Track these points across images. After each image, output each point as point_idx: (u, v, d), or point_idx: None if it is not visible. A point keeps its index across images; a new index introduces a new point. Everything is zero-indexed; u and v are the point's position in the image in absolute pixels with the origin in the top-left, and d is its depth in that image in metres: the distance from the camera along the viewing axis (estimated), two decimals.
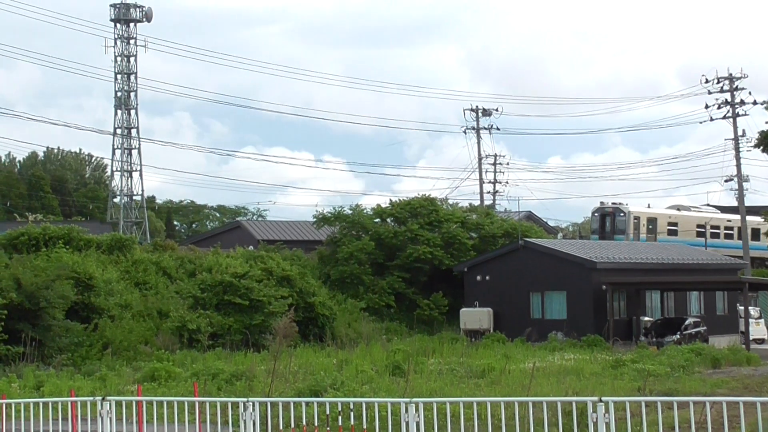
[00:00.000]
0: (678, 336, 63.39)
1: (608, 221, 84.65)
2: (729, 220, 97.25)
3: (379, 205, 78.29)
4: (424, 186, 75.23)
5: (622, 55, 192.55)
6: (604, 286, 66.60)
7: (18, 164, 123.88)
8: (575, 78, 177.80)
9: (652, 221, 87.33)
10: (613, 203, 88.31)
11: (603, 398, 14.75)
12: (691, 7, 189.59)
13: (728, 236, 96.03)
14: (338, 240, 73.64)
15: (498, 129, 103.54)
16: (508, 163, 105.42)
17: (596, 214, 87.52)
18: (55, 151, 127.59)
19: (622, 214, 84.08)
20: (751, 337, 63.61)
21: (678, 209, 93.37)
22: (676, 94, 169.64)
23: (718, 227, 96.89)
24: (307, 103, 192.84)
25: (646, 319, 67.76)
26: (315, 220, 75.90)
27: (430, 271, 73.09)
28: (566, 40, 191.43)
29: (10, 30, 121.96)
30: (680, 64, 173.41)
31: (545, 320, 66.96)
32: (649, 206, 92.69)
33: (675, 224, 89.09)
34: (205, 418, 18.47)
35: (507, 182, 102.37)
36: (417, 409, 15.84)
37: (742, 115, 78.89)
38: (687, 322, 66.95)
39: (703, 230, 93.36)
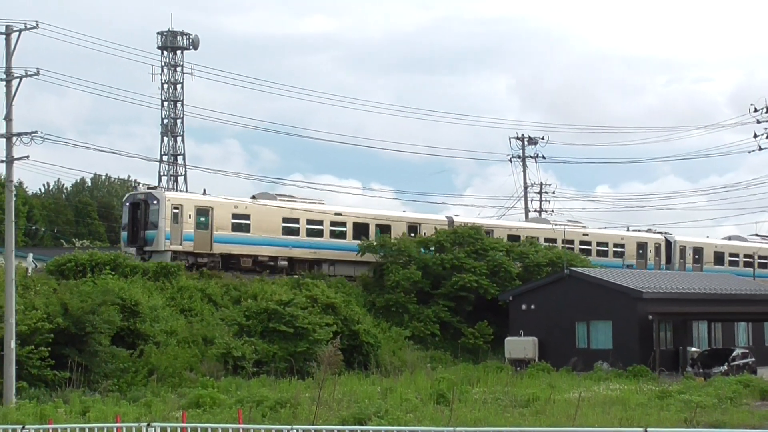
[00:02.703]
0: (725, 367, 62.92)
1: (141, 212, 67.77)
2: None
3: (424, 234, 78.04)
4: (470, 214, 75.20)
5: (673, 83, 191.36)
6: (650, 316, 66.17)
7: (66, 191, 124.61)
8: (625, 106, 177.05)
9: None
10: (148, 187, 75.40)
11: (649, 429, 15.17)
12: (744, 34, 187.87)
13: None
14: (384, 267, 73.66)
15: (544, 157, 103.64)
16: (554, 192, 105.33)
17: (127, 204, 70.53)
18: (103, 177, 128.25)
19: (155, 202, 66.37)
20: None
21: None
22: (726, 122, 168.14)
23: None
24: (357, 130, 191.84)
25: (693, 349, 67.21)
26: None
27: (475, 300, 72.91)
28: (616, 69, 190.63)
29: (59, 58, 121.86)
30: (732, 92, 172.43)
31: (591, 350, 66.57)
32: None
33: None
34: None
35: (553, 211, 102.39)
36: None
37: None
38: (735, 353, 66.50)
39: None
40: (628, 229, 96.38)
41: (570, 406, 36.97)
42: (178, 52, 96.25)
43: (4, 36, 49.37)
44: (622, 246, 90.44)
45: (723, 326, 71.79)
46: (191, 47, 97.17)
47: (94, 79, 77.38)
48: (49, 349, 50.88)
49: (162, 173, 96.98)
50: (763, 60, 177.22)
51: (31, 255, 61.49)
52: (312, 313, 61.37)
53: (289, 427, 18.94)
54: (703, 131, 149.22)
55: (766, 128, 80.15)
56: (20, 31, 49.26)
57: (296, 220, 70.83)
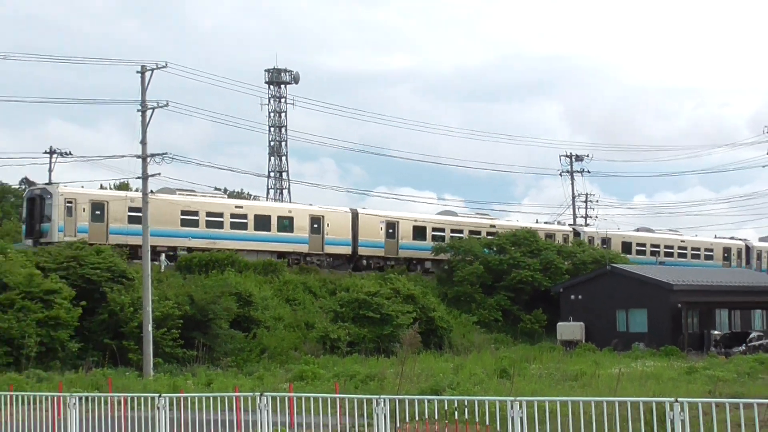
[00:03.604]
0: (744, 347, 64.21)
1: (36, 206, 63.33)
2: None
3: (485, 236, 79.88)
4: (527, 220, 77.01)
5: (700, 108, 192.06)
6: (679, 305, 67.29)
7: None
8: (659, 128, 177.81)
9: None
10: (44, 183, 68.70)
11: (679, 399, 14.93)
12: (761, 65, 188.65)
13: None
14: (454, 265, 74.82)
15: (589, 172, 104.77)
16: (597, 201, 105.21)
17: (25, 199, 66.47)
18: (221, 190, 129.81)
19: (49, 197, 62.03)
20: None
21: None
22: (745, 141, 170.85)
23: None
24: (431, 150, 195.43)
25: (716, 332, 67.80)
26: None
27: (531, 291, 74.02)
28: (652, 97, 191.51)
29: (185, 91, 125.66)
30: (750, 115, 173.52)
31: (629, 333, 67.61)
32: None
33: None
34: (345, 411, 19.10)
35: (596, 217, 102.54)
36: (521, 407, 16.10)
37: None
38: (751, 336, 67.64)
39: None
40: (715, 237, 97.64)
41: (611, 380, 37.35)
42: (282, 86, 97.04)
43: (139, 74, 51.45)
44: (711, 251, 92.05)
45: (741, 313, 72.48)
46: (293, 81, 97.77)
47: (213, 108, 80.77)
48: (179, 331, 53.08)
49: (269, 187, 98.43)
50: None
51: (163, 255, 63.07)
52: (395, 303, 62.74)
53: (377, 396, 18.29)
54: (725, 149, 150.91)
55: None
56: (152, 70, 51.37)
57: (195, 213, 66.33)
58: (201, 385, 41.90)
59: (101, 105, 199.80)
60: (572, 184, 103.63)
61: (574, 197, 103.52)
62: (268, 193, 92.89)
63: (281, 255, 67.48)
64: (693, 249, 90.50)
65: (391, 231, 71.14)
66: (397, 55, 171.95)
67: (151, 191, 61.29)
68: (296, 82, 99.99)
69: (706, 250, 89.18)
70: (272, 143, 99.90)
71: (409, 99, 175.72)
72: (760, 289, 77.87)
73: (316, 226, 67.88)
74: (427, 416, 18.15)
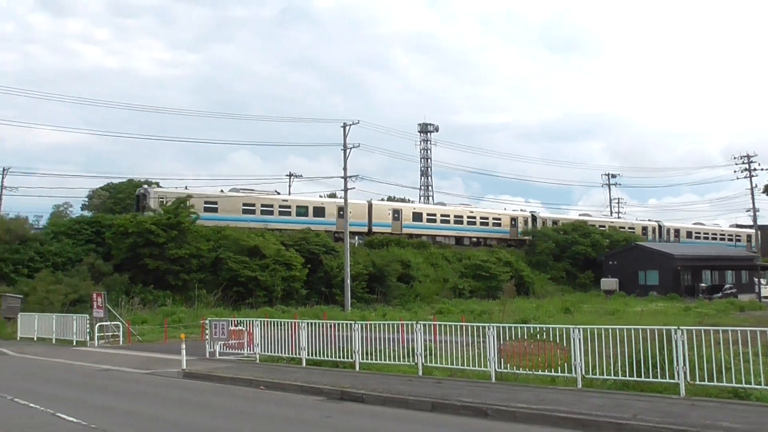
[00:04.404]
0: (720, 294, 62.68)
1: (141, 200, 55.45)
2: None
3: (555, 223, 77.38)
4: (625, 221, 76.23)
5: (691, 144, 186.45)
6: (678, 267, 65.88)
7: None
8: (665, 156, 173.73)
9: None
10: (146, 184, 59.92)
11: (680, 327, 14.55)
12: (728, 118, 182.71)
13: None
14: (534, 243, 73.34)
15: (620, 184, 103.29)
16: (625, 202, 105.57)
17: (136, 194, 57.57)
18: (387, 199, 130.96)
19: (149, 194, 55.06)
20: (762, 296, 61.72)
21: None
22: (719, 164, 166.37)
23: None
24: (521, 172, 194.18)
25: (702, 285, 66.19)
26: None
27: (583, 259, 71.95)
28: (660, 136, 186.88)
29: (370, 137, 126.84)
30: (724, 147, 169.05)
31: (647, 285, 65.96)
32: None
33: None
34: (468, 333, 18.20)
35: (625, 212, 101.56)
36: (579, 331, 15.68)
37: (755, 176, 76.87)
38: (725, 287, 66.14)
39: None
40: (636, 219, 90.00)
41: (636, 314, 37.12)
42: (429, 133, 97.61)
43: (342, 128, 51.92)
44: (634, 228, 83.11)
45: (719, 272, 70.48)
46: (435, 130, 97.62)
47: (387, 147, 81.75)
48: (366, 283, 53.65)
49: (420, 196, 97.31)
50: (738, 127, 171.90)
51: (357, 238, 62.47)
52: (498, 265, 62.63)
53: (488, 324, 17.79)
54: (707, 169, 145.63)
55: (739, 167, 78.77)
56: (350, 125, 51.81)
57: (252, 204, 57.92)
58: (379, 316, 42.08)
59: (320, 146, 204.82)
60: (609, 192, 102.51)
61: (611, 200, 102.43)
62: (419, 200, 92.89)
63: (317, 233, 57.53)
64: (629, 228, 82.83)
65: (396, 216, 65.45)
66: (499, 114, 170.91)
67: (221, 190, 60.43)
68: (437, 131, 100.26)
69: (630, 228, 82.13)
70: (422, 168, 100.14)
71: (506, 141, 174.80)
72: (729, 257, 76.38)
73: (341, 213, 59.15)
74: (519, 337, 17.39)
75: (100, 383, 19.58)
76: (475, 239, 70.92)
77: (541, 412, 13.07)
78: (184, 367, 20.95)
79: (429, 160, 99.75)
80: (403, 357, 19.05)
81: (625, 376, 15.21)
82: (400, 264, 57.22)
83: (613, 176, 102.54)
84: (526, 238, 73.80)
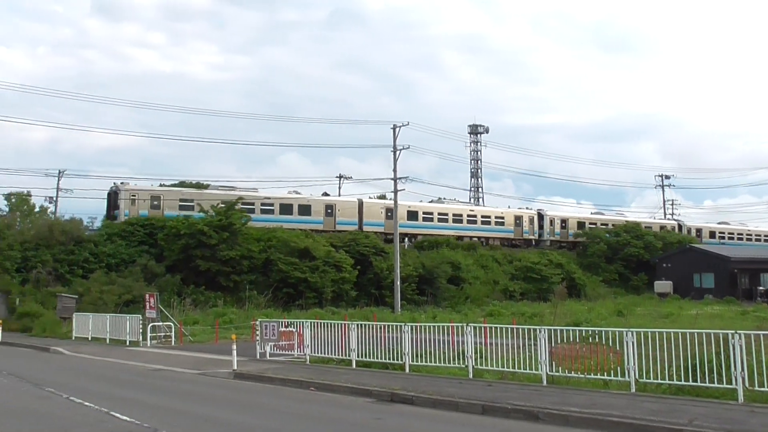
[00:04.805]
0: None
1: (112, 198, 53.24)
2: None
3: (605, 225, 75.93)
4: (635, 218, 73.97)
5: (747, 144, 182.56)
6: (735, 270, 64.81)
7: None
8: (720, 157, 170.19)
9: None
10: (119, 182, 54.15)
11: (737, 331, 14.24)
12: None
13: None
14: (587, 244, 72.50)
15: (674, 185, 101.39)
16: (680, 204, 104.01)
17: (108, 192, 54.20)
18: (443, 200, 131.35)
19: (120, 191, 52.24)
20: None
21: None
22: None
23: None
24: (572, 173, 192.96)
25: (761, 288, 64.47)
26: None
27: (636, 261, 71.00)
28: (716, 137, 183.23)
29: (420, 139, 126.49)
30: None
31: (702, 288, 64.81)
32: None
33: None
34: (519, 336, 17.95)
35: (680, 213, 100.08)
36: (632, 334, 15.45)
37: None
38: None
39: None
40: (526, 208, 78.21)
41: (691, 318, 36.59)
42: (479, 134, 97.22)
43: (392, 129, 52.02)
44: (520, 218, 71.84)
45: None
46: (485, 132, 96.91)
47: (436, 149, 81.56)
48: (416, 285, 53.56)
49: (470, 198, 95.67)
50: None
51: (406, 239, 62.04)
52: (549, 267, 62.34)
53: (539, 327, 17.63)
54: (764, 170, 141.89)
55: None
56: (400, 126, 51.88)
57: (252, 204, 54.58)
58: (429, 318, 42.03)
59: (370, 148, 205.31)
60: (663, 193, 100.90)
61: (664, 202, 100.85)
62: (470, 200, 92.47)
63: (305, 232, 55.16)
64: (645, 227, 78.00)
65: (389, 214, 59.46)
66: (549, 114, 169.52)
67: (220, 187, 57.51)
68: (487, 132, 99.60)
69: (646, 227, 77.41)
70: (472, 170, 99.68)
71: (557, 141, 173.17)
72: None
73: (329, 211, 58.04)
74: (571, 340, 17.18)
75: (152, 383, 19.85)
76: (476, 239, 66.82)
77: (594, 416, 12.91)
78: (235, 367, 21.14)
79: (479, 162, 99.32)
80: (453, 359, 18.97)
81: (680, 381, 14.93)
82: (449, 266, 57.14)
83: (667, 177, 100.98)
84: (532, 237, 70.88)
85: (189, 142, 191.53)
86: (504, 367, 17.90)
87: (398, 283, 50.21)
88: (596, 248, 71.65)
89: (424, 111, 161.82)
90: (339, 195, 70.00)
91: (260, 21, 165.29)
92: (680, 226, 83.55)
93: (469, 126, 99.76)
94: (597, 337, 16.70)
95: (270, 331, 23.86)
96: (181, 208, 52.52)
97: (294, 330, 23.81)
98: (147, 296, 34.13)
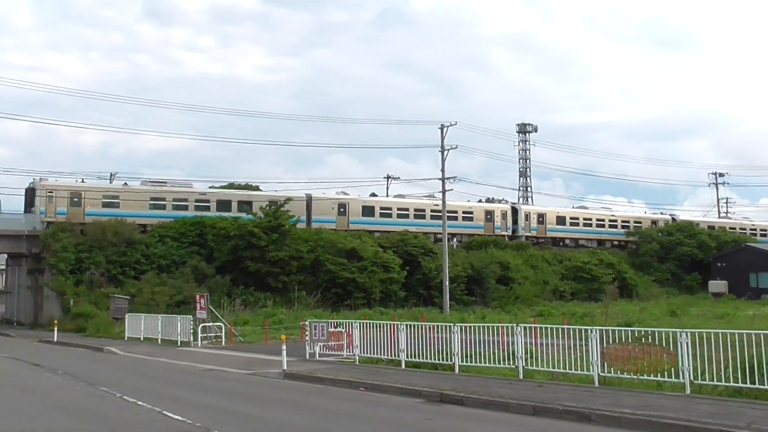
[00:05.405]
0: None
1: (29, 195, 51.65)
2: None
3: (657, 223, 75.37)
4: (689, 215, 72.98)
5: None
6: None
7: None
8: None
9: None
10: (37, 179, 51.64)
11: None
12: None
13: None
14: (638, 243, 71.93)
15: (728, 183, 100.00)
16: (735, 202, 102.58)
17: (26, 189, 52.44)
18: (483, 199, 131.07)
19: (37, 188, 50.14)
20: None
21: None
22: None
23: None
24: (623, 172, 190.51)
25: None
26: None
27: (689, 260, 70.15)
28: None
29: (468, 139, 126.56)
30: None
31: (758, 288, 63.74)
32: None
33: None
34: (570, 336, 17.95)
35: (734, 212, 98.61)
36: (687, 335, 15.16)
37: None
38: None
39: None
40: (502, 202, 73.67)
41: (747, 319, 35.95)
42: (527, 133, 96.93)
43: (439, 129, 51.77)
44: (491, 212, 67.29)
45: None
46: (534, 131, 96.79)
47: (484, 148, 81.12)
48: (465, 285, 53.50)
49: (519, 197, 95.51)
50: None
51: (455, 239, 61.91)
52: (600, 267, 61.72)
53: (590, 327, 17.50)
54: None
55: None
56: (447, 126, 51.60)
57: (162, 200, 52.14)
58: (478, 318, 41.87)
59: (418, 148, 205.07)
60: (717, 191, 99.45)
61: (718, 200, 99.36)
62: (518, 200, 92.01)
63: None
64: (634, 222, 74.98)
65: (342, 210, 57.34)
66: (600, 113, 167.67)
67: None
68: (536, 131, 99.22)
69: (635, 222, 74.91)
70: (521, 169, 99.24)
71: (608, 140, 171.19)
72: None
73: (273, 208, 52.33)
74: (623, 340, 16.93)
75: (203, 383, 20.08)
76: (440, 236, 56.75)
77: (648, 418, 12.73)
78: (285, 367, 21.28)
79: (528, 161, 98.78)
80: (503, 360, 18.87)
81: (738, 383, 14.59)
82: (498, 266, 56.98)
83: (721, 175, 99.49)
84: (505, 233, 66.84)
85: (238, 144, 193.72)
86: (554, 368, 17.74)
87: (447, 283, 50.13)
88: (648, 247, 71.01)
89: (472, 110, 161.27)
90: (387, 195, 70.05)
91: (308, 22, 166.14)
92: (674, 221, 78.15)
93: (518, 125, 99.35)
94: (650, 337, 16.44)
95: (319, 331, 23.98)
96: (105, 205, 50.35)
97: (343, 330, 23.92)
98: (197, 297, 34.55)
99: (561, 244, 69.72)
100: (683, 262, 70.79)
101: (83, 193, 50.31)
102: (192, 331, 32.28)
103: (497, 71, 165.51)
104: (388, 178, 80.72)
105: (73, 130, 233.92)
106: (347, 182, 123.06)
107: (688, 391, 15.13)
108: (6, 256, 59.28)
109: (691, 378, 15.18)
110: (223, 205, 54.10)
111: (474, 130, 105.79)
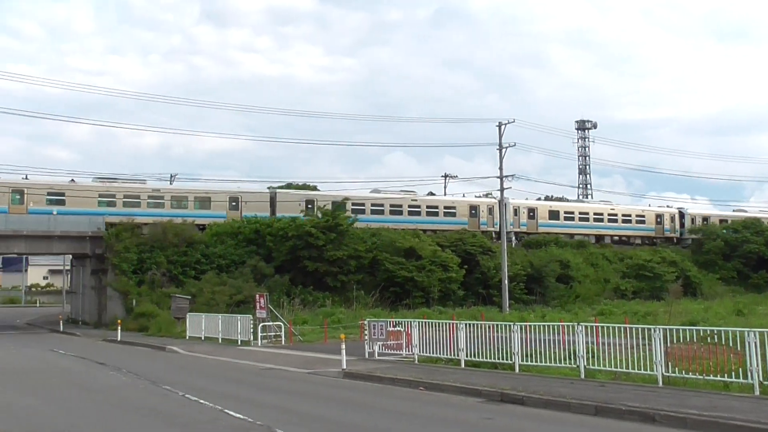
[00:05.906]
0: None
1: None
2: None
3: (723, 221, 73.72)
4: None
5: None
6: None
7: None
8: None
9: None
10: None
11: None
12: None
13: None
14: (701, 242, 70.53)
15: None
16: None
17: None
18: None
19: None
20: None
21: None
22: None
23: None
24: (686, 168, 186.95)
25: None
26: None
27: (756, 258, 68.88)
28: None
29: (526, 136, 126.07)
30: None
31: None
32: None
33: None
34: (632, 335, 17.34)
35: None
36: (754, 335, 14.71)
37: None
38: None
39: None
40: (478, 196, 67.85)
41: None
42: (586, 130, 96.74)
43: (497, 127, 51.72)
44: (454, 207, 62.52)
45: None
46: (593, 127, 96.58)
47: (543, 145, 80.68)
48: (524, 284, 53.37)
49: (578, 196, 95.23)
50: None
51: (514, 237, 61.88)
52: (662, 265, 60.72)
53: (653, 326, 17.20)
54: None
55: None
56: (505, 124, 51.43)
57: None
58: (538, 317, 41.65)
59: (475, 147, 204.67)
60: None
61: None
62: (578, 198, 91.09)
63: (201, 227, 52.04)
64: (636, 216, 70.66)
65: (310, 207, 54.44)
66: (662, 108, 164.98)
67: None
68: (595, 128, 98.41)
69: (638, 216, 70.75)
70: (580, 166, 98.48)
71: (670, 136, 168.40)
72: None
73: (234, 204, 53.28)
74: (687, 340, 16.60)
75: (264, 382, 20.29)
76: (422, 231, 56.85)
77: (715, 419, 12.45)
78: (344, 367, 21.38)
79: (587, 158, 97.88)
80: (564, 359, 18.73)
81: None
82: (558, 264, 56.58)
83: None
84: (491, 230, 62.67)
85: (295, 145, 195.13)
86: (616, 368, 17.50)
87: (506, 282, 49.96)
88: (712, 245, 69.70)
89: (530, 108, 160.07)
90: (444, 194, 69.86)
91: (364, 22, 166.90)
92: (682, 215, 74.46)
93: (577, 122, 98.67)
94: (716, 337, 16.14)
95: (378, 330, 24.04)
96: (50, 203, 49.13)
97: (402, 329, 23.95)
98: (257, 296, 34.89)
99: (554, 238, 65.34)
100: (749, 259, 69.38)
101: (25, 190, 48.71)
102: (252, 330, 32.63)
103: (555, 68, 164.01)
104: (446, 176, 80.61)
105: (133, 132, 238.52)
106: (405, 181, 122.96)
107: (757, 393, 14.75)
108: (71, 256, 60.61)
109: (761, 379, 14.80)
110: (179, 201, 53.00)
111: (532, 127, 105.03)
